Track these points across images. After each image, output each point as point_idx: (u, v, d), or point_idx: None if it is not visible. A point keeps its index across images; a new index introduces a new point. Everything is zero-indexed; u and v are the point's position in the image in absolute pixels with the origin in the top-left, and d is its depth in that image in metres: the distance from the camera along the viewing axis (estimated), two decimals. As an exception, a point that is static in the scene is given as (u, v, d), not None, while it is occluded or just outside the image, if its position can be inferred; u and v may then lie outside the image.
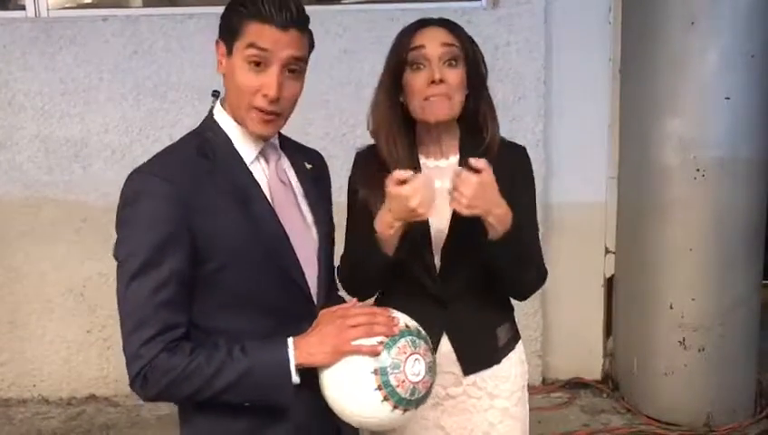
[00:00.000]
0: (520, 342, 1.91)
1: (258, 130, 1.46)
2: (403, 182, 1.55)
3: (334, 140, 3.39)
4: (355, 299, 1.51)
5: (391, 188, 1.56)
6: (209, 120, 1.52)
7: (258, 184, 1.48)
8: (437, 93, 1.66)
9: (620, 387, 3.70)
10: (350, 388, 1.39)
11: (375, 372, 1.37)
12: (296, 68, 1.45)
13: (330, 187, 1.71)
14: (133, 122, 3.56)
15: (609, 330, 3.83)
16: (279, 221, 1.48)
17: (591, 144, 3.64)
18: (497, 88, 1.78)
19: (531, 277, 1.78)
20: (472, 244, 1.67)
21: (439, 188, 1.70)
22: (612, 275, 3.76)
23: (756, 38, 3.16)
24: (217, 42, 1.47)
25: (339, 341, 1.39)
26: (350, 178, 1.82)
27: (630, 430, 3.41)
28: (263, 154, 1.51)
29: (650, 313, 3.43)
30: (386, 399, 1.38)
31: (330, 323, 1.42)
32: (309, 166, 1.62)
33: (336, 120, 3.41)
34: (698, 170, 3.21)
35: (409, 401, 1.41)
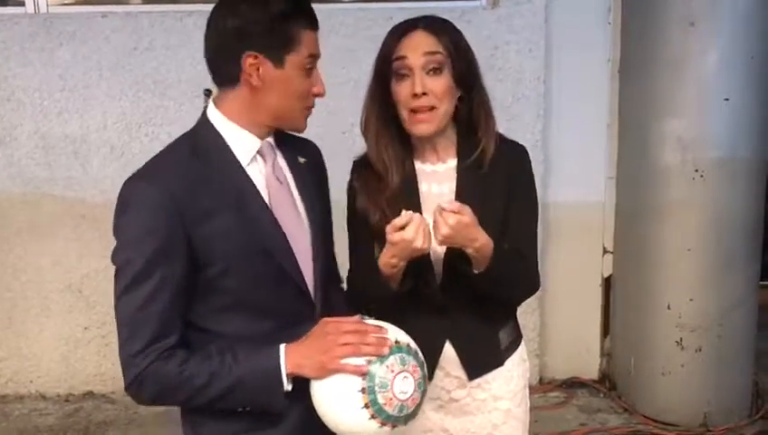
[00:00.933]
0: (522, 340, 1.91)
1: (305, 126, 1.52)
2: (401, 227, 1.55)
3: (333, 138, 3.38)
4: (358, 315, 1.51)
5: (392, 236, 1.55)
6: (203, 122, 1.50)
7: (254, 185, 1.47)
8: (421, 105, 1.64)
9: (618, 387, 3.71)
10: (337, 404, 1.40)
11: (362, 390, 1.38)
12: None
13: (325, 176, 1.70)
14: (132, 119, 3.56)
15: (606, 330, 3.83)
16: (276, 221, 1.48)
17: (590, 144, 3.64)
18: (497, 87, 1.79)
19: (517, 293, 1.79)
20: (468, 260, 1.66)
21: (437, 193, 1.71)
22: (610, 275, 3.76)
23: (755, 39, 3.16)
24: (251, 55, 1.42)
25: (326, 358, 1.39)
26: (348, 186, 1.80)
27: (627, 429, 3.41)
28: (260, 154, 1.50)
29: (648, 313, 3.43)
30: (373, 417, 1.39)
31: (321, 337, 1.42)
32: (302, 160, 1.62)
33: (335, 119, 3.41)
34: (697, 171, 3.21)
35: (398, 418, 1.42)
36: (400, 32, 1.67)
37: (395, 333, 1.46)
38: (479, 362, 1.79)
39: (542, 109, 3.56)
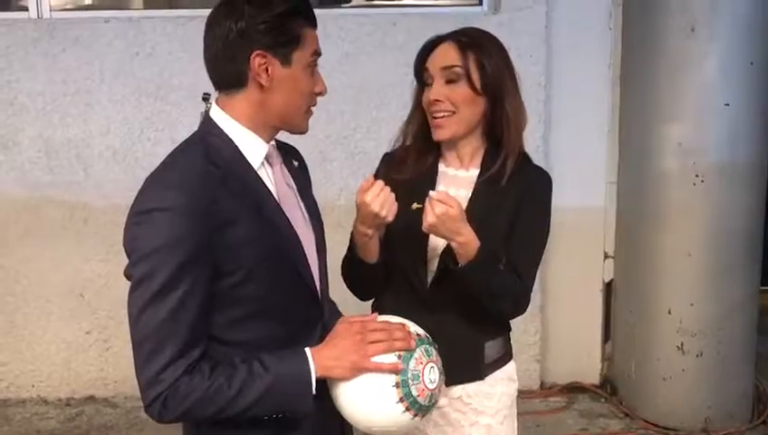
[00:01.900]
0: (512, 361, 1.90)
1: (306, 127, 1.53)
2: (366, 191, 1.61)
3: (335, 142, 3.39)
4: (376, 313, 1.53)
5: (357, 197, 1.62)
6: (209, 126, 1.47)
7: (268, 189, 1.47)
8: (437, 111, 1.73)
9: (618, 391, 3.71)
10: (371, 401, 1.42)
11: (396, 385, 1.41)
12: None
13: (310, 182, 1.70)
14: (134, 124, 3.57)
15: (607, 334, 3.83)
16: (291, 225, 1.48)
17: (591, 149, 3.65)
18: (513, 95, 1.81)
19: (502, 306, 1.77)
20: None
21: (454, 196, 1.72)
22: (611, 280, 3.77)
23: (755, 45, 3.18)
24: (260, 54, 1.41)
25: (358, 357, 1.40)
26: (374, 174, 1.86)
27: (628, 434, 3.42)
28: (267, 158, 1.50)
29: (649, 317, 3.43)
30: (407, 409, 1.42)
31: (348, 337, 1.42)
32: (296, 163, 1.63)
33: (337, 124, 3.42)
34: (697, 176, 3.22)
35: (428, 407, 1.47)
36: (429, 47, 1.79)
37: (414, 328, 1.50)
38: (458, 369, 1.74)
39: (542, 114, 3.57)
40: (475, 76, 1.72)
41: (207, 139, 1.45)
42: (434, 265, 1.76)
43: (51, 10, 3.60)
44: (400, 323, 1.48)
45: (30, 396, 3.78)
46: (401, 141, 1.85)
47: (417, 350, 1.45)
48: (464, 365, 1.79)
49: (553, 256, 3.57)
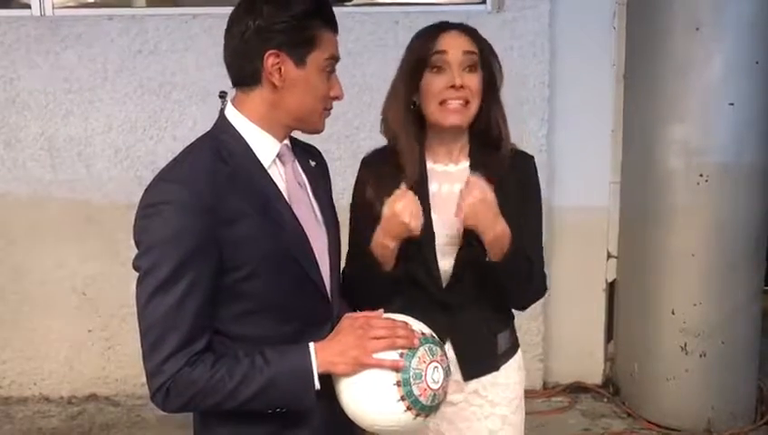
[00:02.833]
0: (519, 350, 1.91)
1: (323, 128, 1.53)
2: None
3: (338, 141, 3.39)
4: (382, 310, 1.50)
5: (385, 209, 1.59)
6: (223, 124, 1.49)
7: (278, 188, 1.48)
8: (455, 97, 1.68)
9: (621, 391, 3.70)
10: (372, 398, 1.41)
11: (398, 383, 1.40)
12: None
13: (330, 182, 1.71)
14: (137, 122, 3.56)
15: (610, 334, 3.82)
16: (300, 224, 1.48)
17: (595, 149, 3.64)
18: (501, 92, 1.79)
19: (529, 295, 1.82)
20: (482, 253, 1.68)
21: (447, 193, 1.73)
22: (614, 280, 3.76)
23: (760, 44, 3.16)
24: (273, 53, 1.42)
25: (360, 353, 1.39)
26: (356, 180, 1.82)
27: (631, 434, 3.41)
28: (279, 157, 1.51)
29: (652, 317, 3.42)
30: (408, 408, 1.41)
31: (351, 333, 1.42)
32: (313, 164, 1.63)
33: (340, 122, 3.41)
34: (701, 176, 3.21)
35: (431, 408, 1.45)
36: (437, 29, 1.72)
37: (418, 326, 1.49)
38: (475, 364, 1.80)
39: (546, 113, 3.56)
40: (486, 68, 1.71)
41: (220, 136, 1.48)
42: (446, 265, 1.74)
43: (53, 8, 3.59)
44: (403, 322, 1.47)
45: (32, 394, 3.78)
46: (397, 138, 1.77)
47: (421, 348, 1.43)
48: (480, 359, 1.81)
49: (556, 255, 3.56)
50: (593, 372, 3.84)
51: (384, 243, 1.63)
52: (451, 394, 1.79)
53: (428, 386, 1.42)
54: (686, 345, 3.33)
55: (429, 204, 1.73)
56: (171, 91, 3.54)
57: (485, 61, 1.71)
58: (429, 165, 1.78)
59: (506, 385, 1.85)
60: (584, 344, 3.83)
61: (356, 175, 1.84)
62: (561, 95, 3.60)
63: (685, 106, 3.23)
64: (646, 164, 3.40)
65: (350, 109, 3.47)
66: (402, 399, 1.40)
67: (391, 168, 1.74)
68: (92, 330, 3.73)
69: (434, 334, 1.50)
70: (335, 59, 1.49)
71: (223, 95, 1.55)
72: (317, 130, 1.53)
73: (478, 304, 1.77)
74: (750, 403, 3.48)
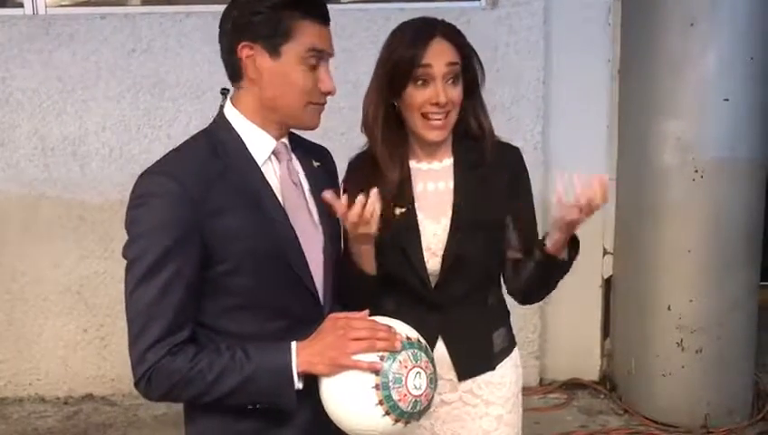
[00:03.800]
0: (516, 348, 1.89)
1: (315, 123, 1.51)
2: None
3: (332, 138, 3.33)
4: (366, 311, 1.47)
5: (347, 224, 1.52)
6: (221, 120, 1.50)
7: (269, 185, 1.47)
8: (438, 112, 1.66)
9: (618, 388, 3.70)
10: (350, 402, 1.39)
11: (376, 387, 1.37)
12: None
13: (338, 182, 1.70)
14: (131, 121, 3.55)
15: (606, 331, 3.82)
16: (290, 223, 1.47)
17: (590, 145, 3.63)
18: (496, 89, 1.78)
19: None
20: (472, 249, 1.68)
21: (433, 191, 1.72)
22: (610, 276, 3.76)
23: (755, 40, 3.16)
24: (246, 45, 1.42)
25: (338, 354, 1.37)
26: (342, 183, 1.79)
27: (628, 431, 3.41)
28: (275, 154, 1.50)
29: (648, 314, 3.42)
30: (387, 413, 1.37)
31: (331, 332, 1.40)
32: (317, 164, 1.61)
33: (334, 120, 3.39)
34: (697, 171, 3.21)
35: (411, 414, 1.40)
36: (422, 38, 1.67)
37: (404, 330, 1.45)
38: (470, 363, 1.78)
39: (541, 110, 3.55)
40: (467, 72, 1.69)
41: (216, 132, 1.49)
42: (433, 266, 1.72)
43: (46, 6, 3.58)
44: (387, 325, 1.43)
45: (28, 394, 3.77)
46: (373, 137, 1.75)
47: (403, 353, 1.39)
48: (475, 358, 1.79)
49: (552, 252, 3.55)
50: (590, 369, 3.84)
51: (356, 250, 1.60)
52: (445, 393, 1.78)
53: (409, 392, 1.38)
54: (682, 341, 3.33)
55: (414, 204, 1.72)
56: (165, 89, 3.52)
57: (467, 66, 1.69)
58: (413, 164, 1.75)
59: (502, 384, 1.83)
60: (581, 341, 3.83)
61: None
62: (557, 91, 3.59)
63: (680, 102, 3.23)
64: (641, 160, 3.40)
65: (345, 105, 3.44)
66: (380, 403, 1.36)
67: (375, 169, 1.72)
68: (88, 330, 3.71)
69: (421, 340, 1.46)
70: (318, 51, 1.44)
71: (224, 92, 1.54)
72: (308, 126, 1.51)
73: (471, 301, 1.75)
74: (746, 399, 3.48)
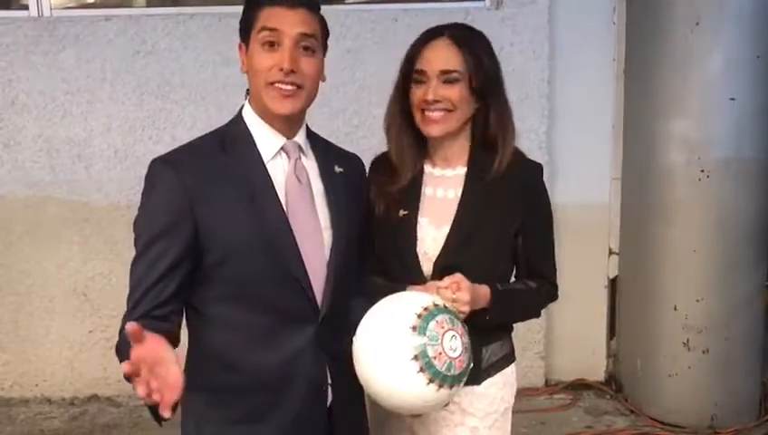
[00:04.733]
0: (512, 365, 1.84)
1: (279, 108, 1.49)
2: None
3: (337, 140, 3.34)
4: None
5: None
6: (237, 117, 1.57)
7: (271, 181, 1.50)
8: (433, 109, 1.68)
9: (624, 388, 3.69)
10: (386, 360, 1.38)
11: (413, 346, 1.37)
12: (309, 45, 1.50)
13: (362, 189, 1.72)
14: (136, 122, 3.56)
15: (612, 331, 3.81)
16: (286, 218, 1.49)
17: (595, 145, 3.63)
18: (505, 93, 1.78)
19: (539, 310, 1.85)
20: (465, 260, 1.66)
21: (441, 198, 1.73)
22: (616, 277, 3.75)
23: (761, 39, 3.15)
24: (240, 45, 1.53)
25: None
26: (367, 181, 1.82)
27: (634, 431, 3.39)
28: (284, 150, 1.53)
29: (654, 314, 3.41)
30: (421, 370, 1.36)
31: None
32: (339, 169, 1.63)
33: (339, 121, 3.41)
34: (703, 171, 3.20)
35: (445, 377, 1.39)
36: (425, 40, 1.71)
37: (443, 301, 1.48)
38: None
39: (546, 110, 3.55)
40: (474, 78, 1.69)
41: (230, 127, 1.56)
42: (428, 271, 1.71)
43: (51, 8, 3.58)
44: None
45: (33, 395, 3.78)
46: (390, 141, 1.78)
47: (440, 314, 1.41)
48: None
49: (558, 252, 3.52)
50: (596, 370, 3.84)
51: None
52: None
53: (444, 351, 1.38)
54: (688, 341, 3.32)
55: (418, 207, 1.73)
56: (170, 91, 3.53)
57: (474, 69, 1.69)
58: (428, 169, 1.77)
59: (484, 396, 1.77)
60: (587, 341, 3.82)
61: None
62: (562, 92, 3.59)
63: (685, 101, 3.22)
64: (647, 160, 3.39)
65: (349, 107, 3.46)
66: (416, 358, 1.36)
67: (391, 169, 1.75)
68: (93, 331, 3.72)
69: (458, 313, 1.49)
70: (269, 29, 1.47)
71: (249, 91, 1.58)
72: (272, 110, 1.50)
73: None
74: (753, 399, 3.47)
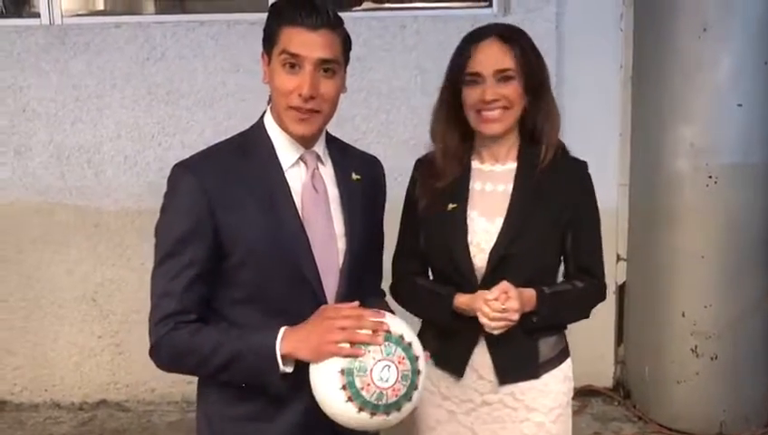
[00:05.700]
0: (568, 359, 1.89)
1: (296, 130, 1.52)
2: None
3: (345, 146, 3.40)
4: (357, 302, 1.50)
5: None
6: (258, 124, 1.60)
7: (289, 188, 1.54)
8: (489, 108, 1.72)
9: (632, 395, 3.68)
10: (321, 385, 1.43)
11: (341, 372, 1.40)
12: (330, 68, 1.51)
13: (381, 195, 1.74)
14: (145, 129, 3.58)
15: (620, 337, 3.81)
16: (302, 226, 1.53)
17: (603, 151, 3.62)
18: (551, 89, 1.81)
19: (583, 314, 1.88)
20: (520, 251, 1.71)
21: (490, 192, 1.78)
22: (624, 283, 3.74)
23: (769, 45, 3.15)
24: (262, 54, 1.55)
25: (322, 340, 1.42)
26: (410, 180, 1.89)
27: (642, 438, 3.40)
28: (303, 160, 1.56)
29: (662, 320, 3.41)
30: (350, 400, 1.40)
31: (318, 320, 1.46)
32: (356, 177, 1.65)
33: (347, 127, 3.42)
34: (710, 177, 3.20)
35: (376, 406, 1.41)
36: (473, 40, 1.75)
37: (392, 322, 1.46)
38: (511, 369, 1.79)
39: (553, 116, 3.54)
40: (526, 75, 1.73)
41: (251, 133, 1.60)
42: (480, 262, 1.75)
43: (62, 16, 3.62)
44: (377, 312, 1.46)
45: (43, 400, 3.80)
46: (435, 142, 1.84)
47: (377, 346, 1.41)
48: (519, 364, 1.80)
49: (565, 258, 3.54)
50: (604, 376, 3.83)
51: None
52: (486, 394, 1.80)
53: (373, 382, 1.39)
54: (696, 348, 3.31)
55: (467, 201, 1.77)
56: (179, 98, 3.55)
57: (525, 67, 1.73)
58: (476, 165, 1.82)
59: (546, 392, 1.82)
60: (594, 348, 3.81)
61: None
62: (569, 97, 3.57)
63: (693, 107, 3.22)
64: (654, 166, 3.39)
65: (358, 113, 3.47)
66: (344, 388, 1.39)
67: (437, 170, 1.80)
68: (102, 336, 3.74)
69: (405, 336, 1.45)
70: (290, 54, 1.48)
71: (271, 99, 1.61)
72: (290, 132, 1.54)
73: None
74: (762, 406, 3.45)
